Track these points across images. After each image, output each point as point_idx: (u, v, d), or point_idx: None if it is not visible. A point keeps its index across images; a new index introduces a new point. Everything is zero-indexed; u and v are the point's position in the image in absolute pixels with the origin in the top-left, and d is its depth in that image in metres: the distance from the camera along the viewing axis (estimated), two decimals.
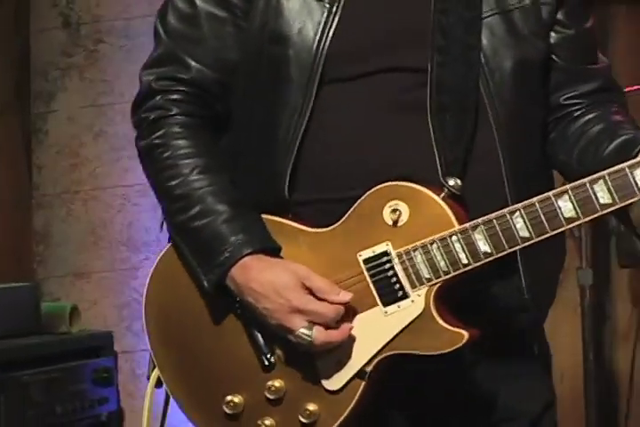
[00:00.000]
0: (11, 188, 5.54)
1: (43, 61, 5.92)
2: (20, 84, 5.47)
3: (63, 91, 5.83)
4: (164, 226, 3.34)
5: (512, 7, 3.24)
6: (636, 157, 2.97)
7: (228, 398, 3.17)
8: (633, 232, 3.12)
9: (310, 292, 3.05)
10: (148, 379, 3.29)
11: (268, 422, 3.13)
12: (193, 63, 3.26)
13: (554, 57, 3.30)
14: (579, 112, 3.32)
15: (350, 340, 3.13)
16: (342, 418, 3.09)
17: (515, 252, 3.03)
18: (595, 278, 5.62)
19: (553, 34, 3.30)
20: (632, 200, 2.96)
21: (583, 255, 5.62)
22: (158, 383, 3.29)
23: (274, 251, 3.11)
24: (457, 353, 3.05)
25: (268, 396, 3.14)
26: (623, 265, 5.55)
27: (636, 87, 5.21)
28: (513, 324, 3.22)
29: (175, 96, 3.26)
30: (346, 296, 3.07)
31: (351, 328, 3.13)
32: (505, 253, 3.04)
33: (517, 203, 3.05)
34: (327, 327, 3.06)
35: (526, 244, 3.04)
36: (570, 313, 5.83)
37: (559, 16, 3.29)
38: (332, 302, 3.06)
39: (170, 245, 3.28)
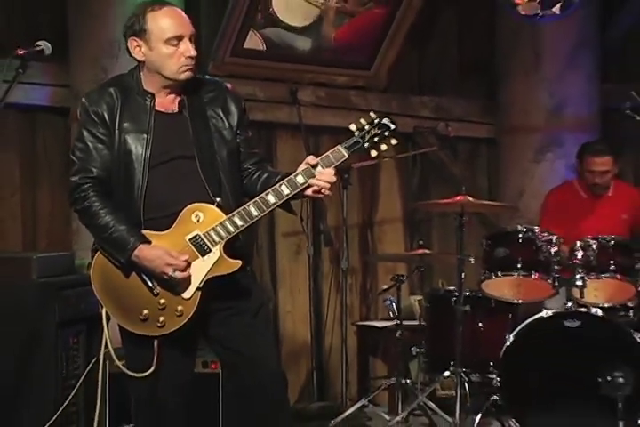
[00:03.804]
0: (62, 209, 5.42)
1: None
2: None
3: None
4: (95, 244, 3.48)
5: (221, 128, 3.47)
6: (286, 177, 3.33)
7: (142, 311, 3.39)
8: (288, 210, 3.47)
9: (172, 256, 3.32)
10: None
11: (161, 318, 3.38)
12: (94, 169, 3.41)
13: (240, 148, 3.52)
14: (254, 171, 3.54)
15: (191, 274, 3.35)
16: (193, 310, 3.37)
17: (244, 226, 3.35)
18: (314, 250, 5.93)
19: (237, 138, 3.51)
20: (298, 190, 3.32)
21: (309, 239, 5.92)
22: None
23: (149, 243, 3.35)
24: (227, 276, 3.37)
25: (159, 307, 3.37)
26: (326, 245, 5.70)
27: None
28: (241, 258, 3.40)
29: (89, 185, 3.40)
30: (185, 256, 3.33)
31: (189, 270, 3.34)
32: (250, 223, 3.35)
33: (235, 207, 3.36)
34: (181, 271, 3.33)
35: (258, 217, 3.35)
36: (303, 266, 6.11)
37: (238, 131, 3.50)
38: (181, 260, 3.32)
39: (99, 251, 3.44)
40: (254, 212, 3.36)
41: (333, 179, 3.36)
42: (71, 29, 5.40)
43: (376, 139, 3.36)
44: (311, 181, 3.34)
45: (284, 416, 3.55)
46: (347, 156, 3.36)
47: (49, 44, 3.61)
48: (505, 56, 6.70)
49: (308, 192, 3.39)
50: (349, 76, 6.37)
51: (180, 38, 3.40)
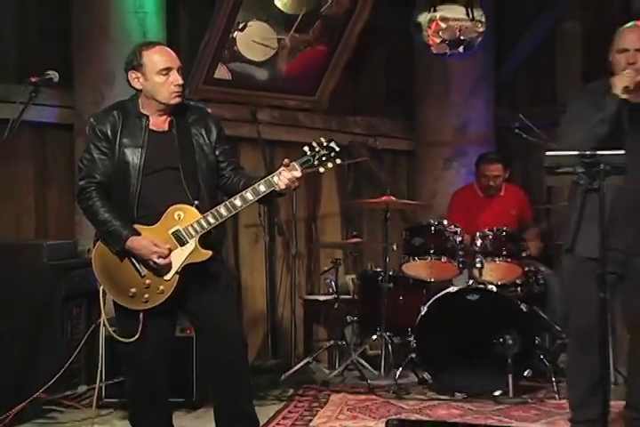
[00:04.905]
0: (68, 206, 5.33)
1: None
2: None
3: None
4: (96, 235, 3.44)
5: (202, 144, 3.41)
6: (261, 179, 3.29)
7: (131, 289, 3.38)
8: (265, 203, 3.45)
9: (156, 246, 3.30)
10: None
11: (146, 295, 3.36)
12: (97, 176, 3.38)
13: (218, 158, 3.46)
14: (234, 175, 3.46)
15: (172, 260, 3.33)
16: (172, 290, 3.35)
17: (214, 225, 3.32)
18: (269, 239, 5.88)
19: (215, 151, 3.45)
20: (259, 196, 3.29)
21: (265, 230, 5.83)
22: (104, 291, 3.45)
23: (139, 235, 3.32)
24: (201, 263, 3.36)
25: (145, 286, 3.35)
26: (279, 234, 5.60)
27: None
28: (212, 249, 3.37)
29: (92, 188, 3.37)
30: (168, 245, 3.31)
31: (170, 258, 3.32)
32: (221, 221, 3.31)
33: (209, 208, 3.33)
34: (163, 258, 3.31)
35: (227, 217, 3.32)
36: (260, 251, 6.01)
37: (216, 145, 3.44)
38: (164, 248, 3.31)
39: (99, 240, 3.41)
40: (224, 212, 3.33)
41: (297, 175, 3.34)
42: (75, 61, 5.34)
43: (324, 158, 3.32)
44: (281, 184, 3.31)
45: (246, 378, 3.48)
46: (299, 171, 3.33)
47: (57, 73, 3.58)
48: (421, 86, 6.64)
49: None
50: (298, 100, 6.31)
51: (169, 70, 3.39)
